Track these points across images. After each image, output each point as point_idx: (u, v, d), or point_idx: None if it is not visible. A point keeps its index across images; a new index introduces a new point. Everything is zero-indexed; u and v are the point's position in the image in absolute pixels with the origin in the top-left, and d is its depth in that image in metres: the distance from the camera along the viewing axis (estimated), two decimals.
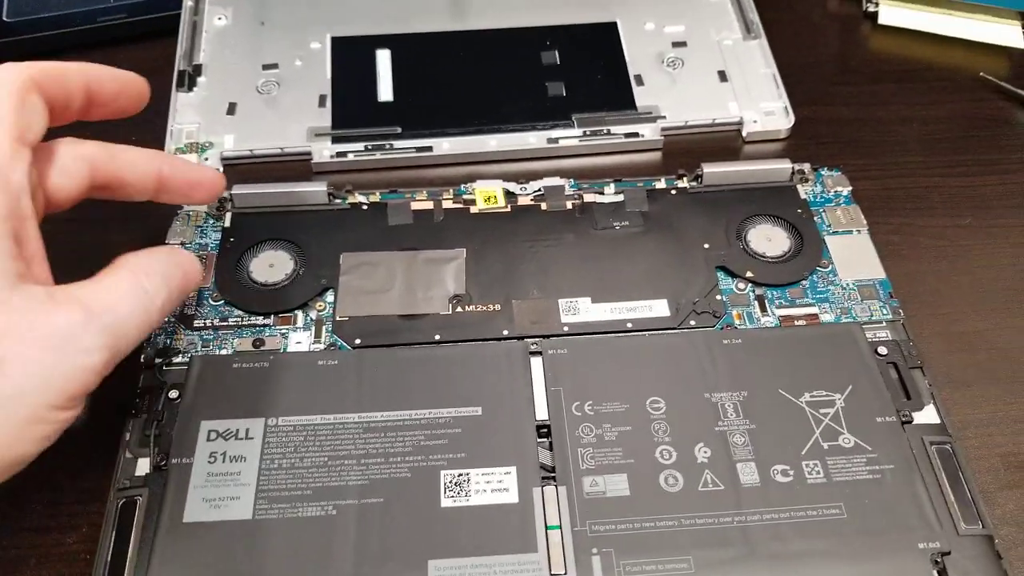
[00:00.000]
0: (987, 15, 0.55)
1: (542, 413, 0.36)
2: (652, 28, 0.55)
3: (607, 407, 0.36)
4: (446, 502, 0.34)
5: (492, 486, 0.34)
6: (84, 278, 0.44)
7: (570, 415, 0.36)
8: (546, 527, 0.33)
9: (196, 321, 0.40)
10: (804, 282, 0.41)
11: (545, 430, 0.36)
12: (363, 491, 0.34)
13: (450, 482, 0.34)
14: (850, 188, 0.45)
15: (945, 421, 0.37)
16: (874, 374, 0.37)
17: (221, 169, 0.48)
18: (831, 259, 0.42)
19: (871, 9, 0.57)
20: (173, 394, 0.37)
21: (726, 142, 0.50)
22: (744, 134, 0.50)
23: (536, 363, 0.38)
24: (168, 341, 0.39)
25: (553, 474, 0.35)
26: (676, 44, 0.54)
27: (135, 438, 0.36)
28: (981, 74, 0.53)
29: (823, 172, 0.46)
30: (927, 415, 0.37)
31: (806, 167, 0.46)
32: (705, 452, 0.35)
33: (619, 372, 0.37)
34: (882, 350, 0.39)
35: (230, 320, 0.40)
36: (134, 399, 0.37)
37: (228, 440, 0.35)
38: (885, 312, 0.40)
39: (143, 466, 0.36)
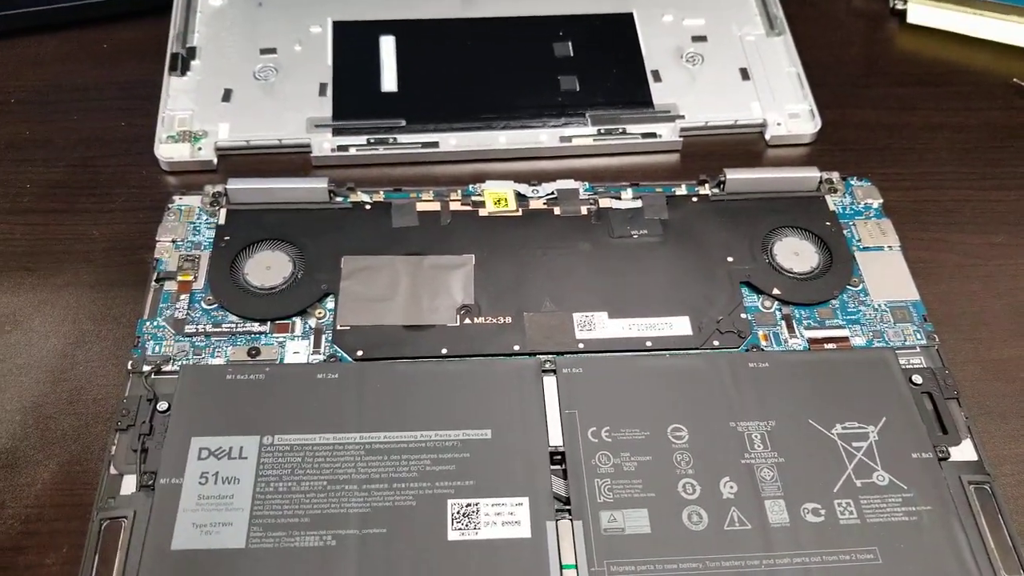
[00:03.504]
0: (1018, 16, 0.52)
1: (556, 438, 0.34)
2: (670, 21, 0.52)
3: (626, 433, 0.34)
4: (453, 535, 0.31)
5: (503, 518, 0.32)
6: (61, 273, 0.41)
7: (586, 441, 0.34)
8: (560, 566, 0.31)
9: (187, 326, 0.37)
10: (834, 301, 0.39)
11: (559, 457, 0.34)
12: (365, 520, 0.32)
13: (458, 512, 0.32)
14: (881, 200, 0.43)
15: (983, 457, 0.35)
16: (909, 405, 0.35)
17: (215, 160, 0.45)
18: (862, 277, 0.40)
19: (898, 7, 0.55)
20: (162, 406, 0.35)
21: (748, 145, 0.47)
22: (767, 137, 0.47)
23: (549, 382, 0.36)
24: (157, 347, 0.37)
25: (568, 507, 0.32)
26: (696, 39, 0.51)
27: (121, 453, 0.34)
28: (1014, 80, 0.50)
29: (852, 182, 0.44)
30: (964, 451, 0.35)
31: (835, 176, 0.44)
32: (731, 487, 0.33)
33: (638, 395, 0.35)
34: (917, 379, 0.36)
35: (223, 326, 0.37)
36: (120, 410, 0.35)
37: (220, 459, 0.33)
38: (919, 337, 0.38)
39: (129, 484, 0.33)
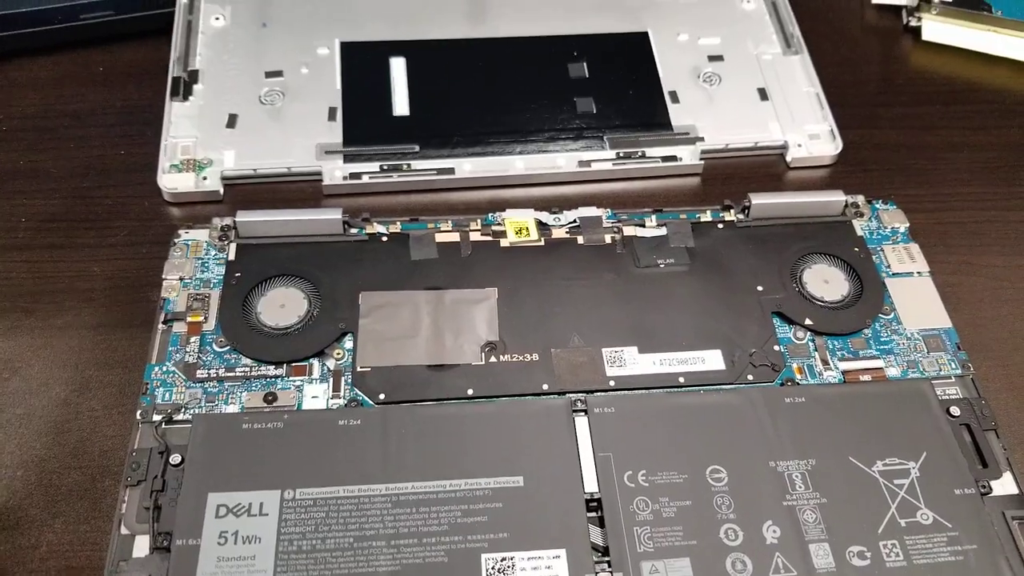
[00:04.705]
0: None
1: (591, 484, 0.33)
2: (686, 40, 0.51)
3: (663, 477, 0.33)
4: None
5: (540, 572, 0.30)
6: (62, 313, 0.39)
7: (622, 486, 0.33)
8: None
9: (199, 371, 0.36)
10: (866, 331, 0.38)
11: (595, 504, 0.32)
12: None
13: (492, 568, 0.30)
14: (907, 224, 0.42)
15: None
16: (948, 439, 0.34)
17: (221, 190, 0.43)
18: (893, 305, 0.39)
19: (912, 23, 0.54)
20: (175, 459, 0.33)
21: (769, 167, 0.47)
22: (788, 159, 0.46)
23: (581, 423, 0.34)
24: (168, 395, 0.35)
25: (607, 558, 0.31)
26: (712, 58, 0.50)
27: (131, 511, 0.32)
28: None
29: (878, 206, 0.43)
30: (1005, 484, 0.34)
31: (860, 199, 0.43)
32: (774, 531, 0.32)
33: (674, 435, 0.34)
34: (954, 410, 0.36)
35: (237, 370, 0.36)
36: (129, 464, 0.33)
37: (240, 516, 0.31)
38: (954, 366, 0.37)
39: (142, 545, 0.31)
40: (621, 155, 0.45)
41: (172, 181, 0.43)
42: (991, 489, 0.34)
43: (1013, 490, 0.34)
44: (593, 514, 0.32)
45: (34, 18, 0.47)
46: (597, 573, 0.31)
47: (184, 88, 0.45)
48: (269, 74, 0.47)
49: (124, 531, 0.32)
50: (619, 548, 0.31)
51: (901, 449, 0.34)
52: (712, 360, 0.37)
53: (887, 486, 0.33)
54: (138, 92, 0.47)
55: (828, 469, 0.33)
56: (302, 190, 0.43)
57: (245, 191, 0.43)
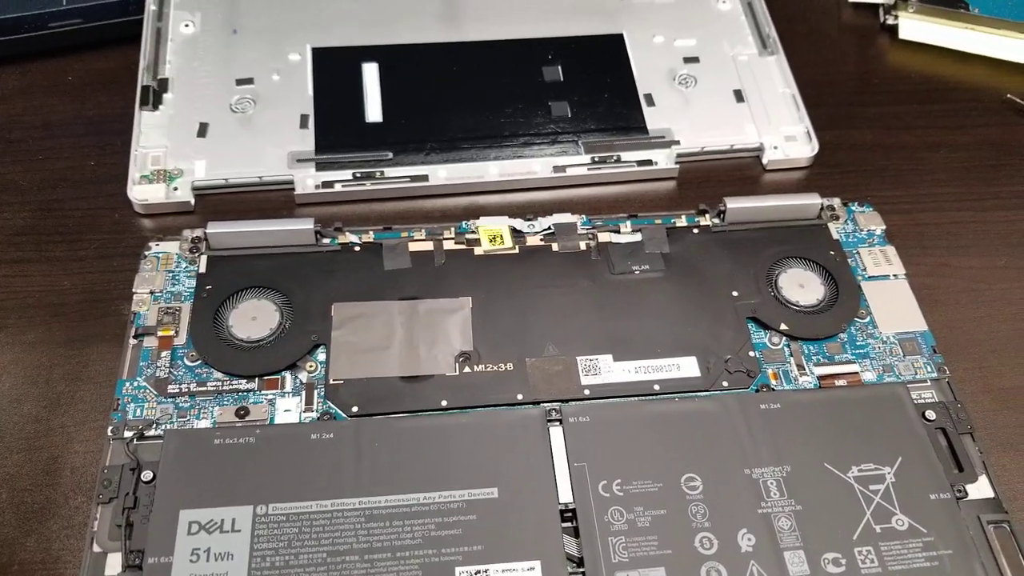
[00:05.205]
0: (1011, 31, 0.52)
1: (566, 494, 0.33)
2: (661, 41, 0.50)
3: (638, 486, 0.33)
4: None
5: None
6: (32, 328, 0.38)
7: (597, 496, 0.32)
8: None
9: (171, 386, 0.35)
10: (842, 335, 0.38)
11: (570, 514, 0.32)
12: None
13: None
14: (884, 227, 0.42)
15: (999, 494, 0.34)
16: (924, 443, 0.34)
17: (193, 201, 0.42)
18: (869, 309, 0.39)
19: (889, 22, 0.54)
20: (147, 475, 0.33)
21: (744, 170, 0.46)
22: (764, 162, 0.46)
23: (556, 433, 0.34)
24: (139, 410, 0.35)
25: (582, 569, 0.31)
26: (688, 59, 0.50)
27: (103, 528, 0.32)
28: (1008, 96, 0.50)
29: (854, 208, 0.43)
30: (981, 488, 0.34)
31: (836, 202, 0.43)
32: (749, 540, 0.32)
33: (649, 443, 0.34)
34: (930, 414, 0.36)
35: (209, 384, 0.35)
36: (101, 481, 0.33)
37: (212, 533, 0.31)
38: (929, 370, 0.37)
39: (114, 563, 0.31)
40: (596, 160, 0.45)
41: (142, 192, 0.42)
42: (967, 493, 0.34)
43: (989, 494, 0.34)
44: (568, 524, 0.32)
45: (1, 27, 0.46)
46: None
47: (154, 97, 0.45)
48: (240, 81, 0.46)
49: (97, 549, 0.31)
50: (593, 559, 0.31)
51: (876, 454, 0.34)
52: (687, 367, 0.37)
53: (862, 492, 0.33)
54: (108, 101, 0.46)
55: (803, 476, 0.33)
56: (274, 199, 0.43)
57: (216, 201, 0.43)
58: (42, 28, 0.47)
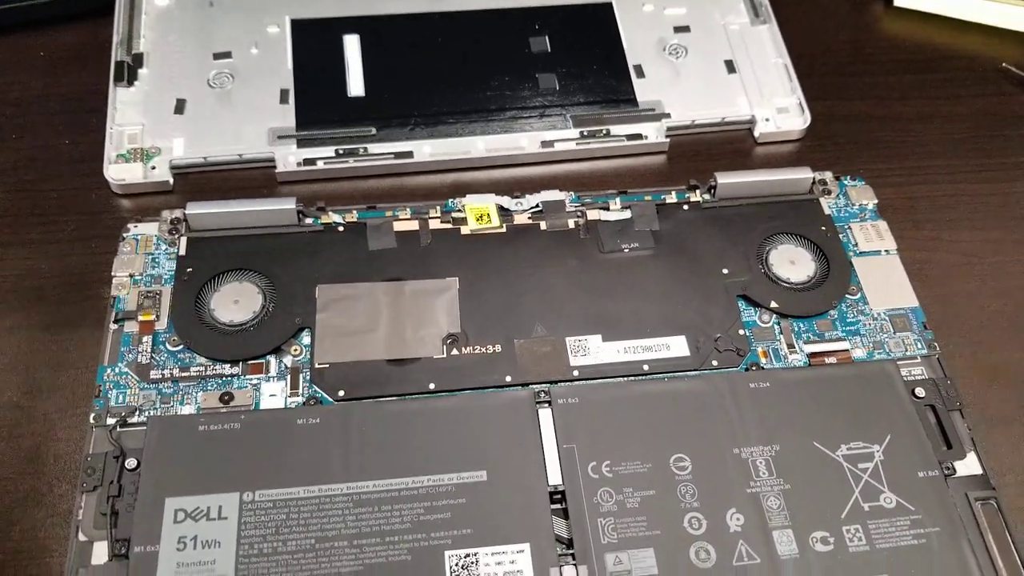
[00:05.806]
0: None
1: (555, 476, 0.32)
2: (651, 10, 0.49)
3: (627, 467, 0.33)
4: None
5: (504, 568, 0.30)
6: (10, 314, 0.38)
7: (586, 478, 0.32)
8: None
9: (153, 371, 0.35)
10: (832, 312, 0.38)
11: (559, 496, 0.32)
12: None
13: (456, 565, 0.30)
14: (876, 201, 0.42)
15: (987, 470, 0.34)
16: (913, 420, 0.34)
17: (171, 180, 0.41)
18: (860, 285, 0.39)
19: None
20: (131, 463, 0.32)
21: (736, 143, 0.46)
22: (756, 135, 0.45)
23: (545, 415, 0.34)
24: (121, 396, 0.34)
25: (571, 551, 0.31)
26: (678, 29, 0.49)
27: (88, 517, 0.31)
28: (1004, 65, 0.49)
29: (846, 182, 0.42)
30: (969, 465, 0.34)
31: (828, 176, 0.42)
32: (738, 519, 0.32)
33: (638, 424, 0.34)
34: (920, 391, 0.35)
35: (192, 369, 0.35)
36: (85, 468, 0.32)
37: (198, 521, 0.31)
38: (920, 346, 0.37)
39: (100, 552, 0.31)
40: (585, 134, 0.44)
41: (119, 172, 0.41)
42: (955, 470, 0.34)
43: (977, 470, 0.34)
44: (557, 506, 0.32)
45: None
46: (561, 566, 0.30)
47: (128, 73, 0.43)
48: (217, 55, 0.45)
49: (82, 537, 0.31)
50: (583, 540, 0.31)
51: (866, 433, 0.34)
52: (677, 346, 0.36)
53: (851, 470, 0.33)
54: (82, 78, 0.45)
55: (792, 454, 0.33)
56: (255, 177, 0.42)
57: (196, 180, 0.42)
58: (11, 1, 0.45)
